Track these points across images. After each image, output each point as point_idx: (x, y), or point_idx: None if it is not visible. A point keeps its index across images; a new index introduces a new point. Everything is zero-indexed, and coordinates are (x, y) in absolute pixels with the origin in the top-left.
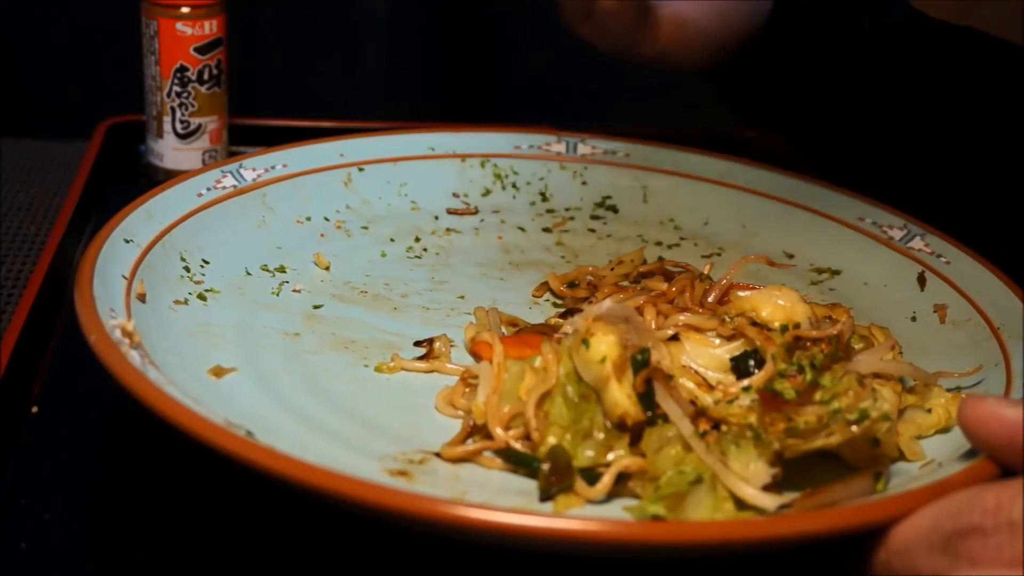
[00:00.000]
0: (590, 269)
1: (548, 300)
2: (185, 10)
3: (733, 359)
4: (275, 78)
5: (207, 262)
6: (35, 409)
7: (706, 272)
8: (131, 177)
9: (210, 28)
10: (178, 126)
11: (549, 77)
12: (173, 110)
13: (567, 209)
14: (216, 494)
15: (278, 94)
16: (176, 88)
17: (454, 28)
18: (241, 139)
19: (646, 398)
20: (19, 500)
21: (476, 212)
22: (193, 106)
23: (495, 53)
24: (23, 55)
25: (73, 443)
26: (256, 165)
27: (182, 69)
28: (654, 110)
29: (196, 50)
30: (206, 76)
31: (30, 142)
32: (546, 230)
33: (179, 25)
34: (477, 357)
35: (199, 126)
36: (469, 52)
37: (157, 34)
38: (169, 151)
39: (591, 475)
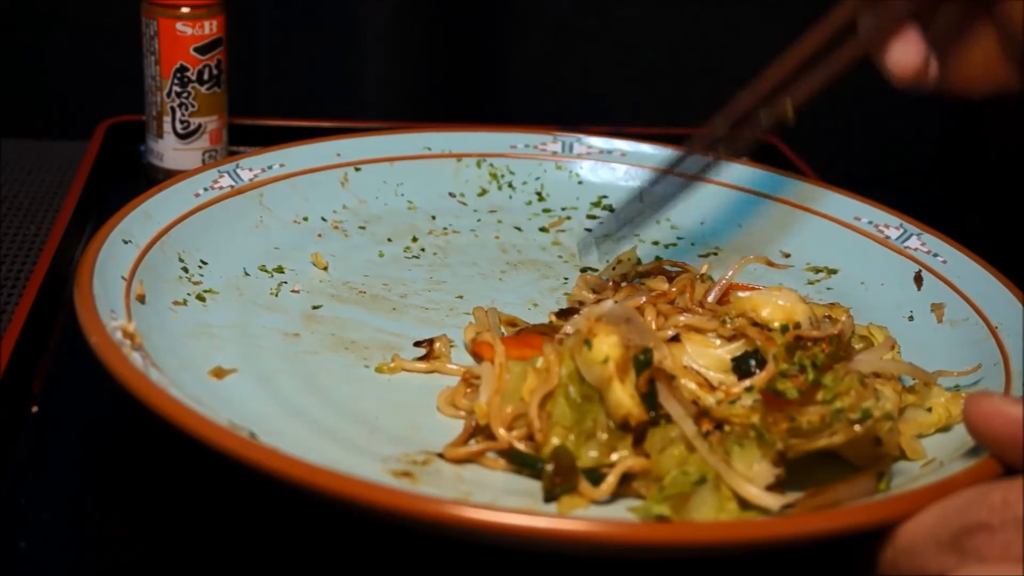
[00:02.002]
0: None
1: (547, 299)
2: (185, 10)
3: (734, 359)
4: (275, 78)
5: (205, 263)
6: (35, 409)
7: (704, 271)
8: (131, 177)
9: (210, 28)
10: (178, 126)
11: (549, 78)
12: (173, 110)
13: (563, 209)
14: (217, 494)
15: (278, 94)
16: (176, 88)
17: (454, 29)
18: (241, 139)
19: (649, 398)
20: (19, 500)
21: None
22: (193, 106)
23: (495, 54)
24: (23, 55)
25: (73, 443)
26: (253, 165)
27: (182, 69)
28: (651, 110)
29: (196, 50)
30: (206, 76)
31: (30, 142)
32: (543, 230)
33: (179, 25)
34: (478, 358)
35: (199, 126)
36: (469, 53)
37: (157, 34)
38: (169, 151)
39: (595, 475)
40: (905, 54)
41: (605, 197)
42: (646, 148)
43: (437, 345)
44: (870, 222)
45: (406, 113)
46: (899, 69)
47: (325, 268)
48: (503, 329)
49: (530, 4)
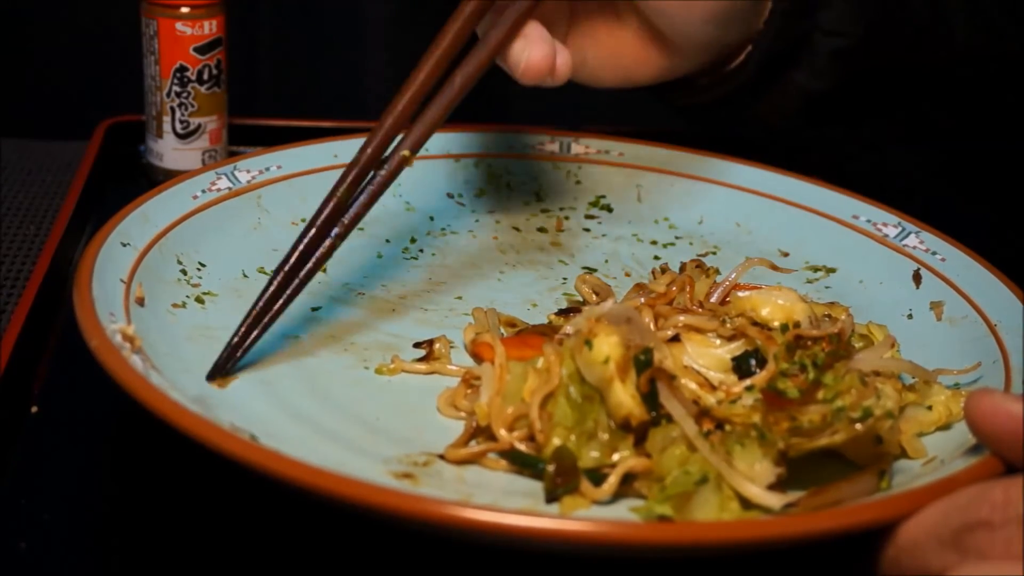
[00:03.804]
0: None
1: (546, 299)
2: (185, 10)
3: (735, 359)
4: (275, 78)
5: (204, 265)
6: (35, 409)
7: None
8: (131, 177)
9: (210, 28)
10: (178, 126)
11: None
12: (173, 110)
13: (561, 209)
14: (217, 494)
15: (278, 94)
16: (176, 88)
17: None
18: (241, 139)
19: (650, 398)
20: (19, 500)
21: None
22: (193, 106)
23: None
24: (23, 55)
25: (73, 443)
26: (250, 167)
27: (182, 69)
28: (647, 110)
29: (196, 50)
30: (206, 76)
31: (30, 142)
32: (541, 230)
33: (179, 25)
34: (477, 358)
35: (199, 126)
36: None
37: (157, 34)
38: (169, 151)
39: (597, 476)
40: (525, 52)
41: (603, 197)
42: (643, 148)
43: (437, 346)
44: (868, 220)
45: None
46: (520, 67)
47: (324, 270)
48: (502, 330)
49: None
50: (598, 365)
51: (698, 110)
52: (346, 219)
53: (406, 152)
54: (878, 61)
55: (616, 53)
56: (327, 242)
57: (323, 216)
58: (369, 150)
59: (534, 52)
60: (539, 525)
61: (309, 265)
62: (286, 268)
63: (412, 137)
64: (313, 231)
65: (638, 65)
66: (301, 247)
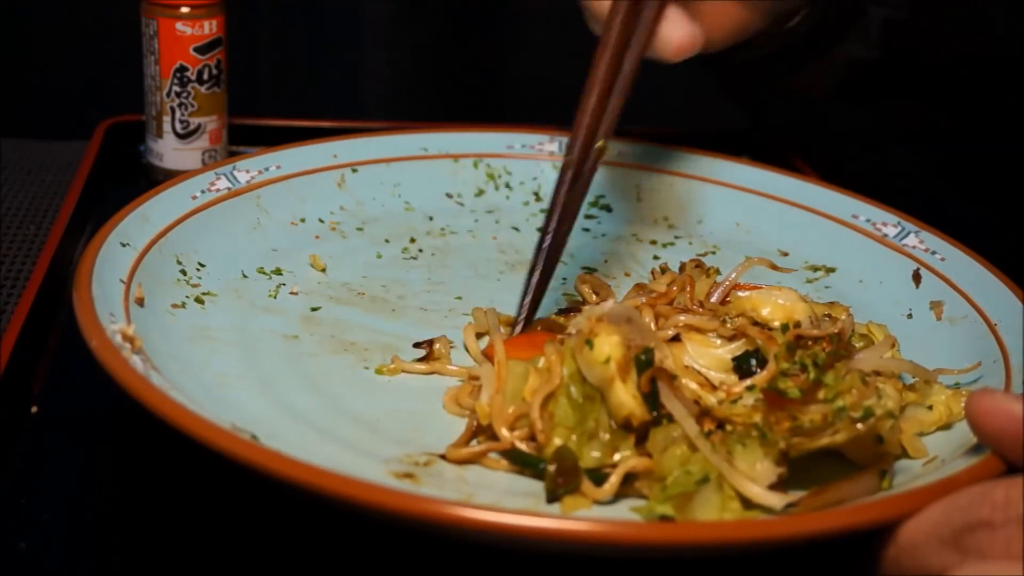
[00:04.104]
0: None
1: (546, 299)
2: (185, 10)
3: (735, 359)
4: (275, 78)
5: (203, 265)
6: (35, 409)
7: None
8: (131, 177)
9: (210, 28)
10: (178, 126)
11: (548, 78)
12: (173, 110)
13: None
14: (217, 494)
15: (278, 94)
16: (176, 88)
17: (454, 29)
18: (241, 139)
19: (651, 398)
20: (19, 500)
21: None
22: (193, 106)
23: (495, 54)
24: (23, 55)
25: (73, 443)
26: (250, 167)
27: (182, 69)
28: (647, 109)
29: (196, 50)
30: (206, 76)
31: (30, 142)
32: (540, 230)
33: (179, 25)
34: (490, 360)
35: (199, 126)
36: (469, 53)
37: (157, 34)
38: (169, 151)
39: (598, 476)
40: (674, 32)
41: (602, 197)
42: (643, 148)
43: (437, 346)
44: (868, 220)
45: (407, 113)
46: (673, 48)
47: (323, 270)
48: (502, 330)
49: (530, 5)
50: (599, 365)
51: (753, 66)
52: (569, 216)
53: (602, 143)
54: (922, 39)
55: (700, 18)
56: (558, 241)
57: (554, 219)
58: (575, 151)
59: (678, 32)
60: (540, 525)
61: (545, 265)
62: (535, 274)
63: (604, 128)
64: (549, 237)
65: (717, 26)
66: (543, 252)
